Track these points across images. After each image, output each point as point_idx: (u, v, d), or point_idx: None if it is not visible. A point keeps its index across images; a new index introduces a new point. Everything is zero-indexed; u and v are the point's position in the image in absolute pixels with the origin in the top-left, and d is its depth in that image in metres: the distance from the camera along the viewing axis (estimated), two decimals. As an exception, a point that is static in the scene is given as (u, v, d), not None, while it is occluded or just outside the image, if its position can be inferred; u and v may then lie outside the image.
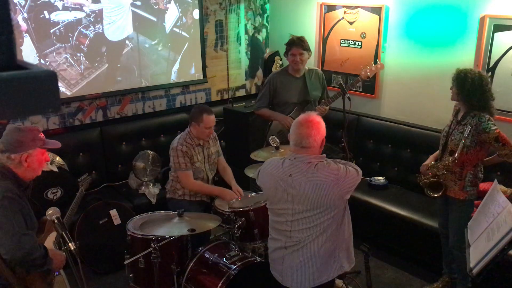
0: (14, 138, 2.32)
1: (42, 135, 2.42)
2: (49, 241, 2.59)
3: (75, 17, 4.10)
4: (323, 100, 4.02)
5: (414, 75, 4.31)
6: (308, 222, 2.41)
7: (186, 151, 3.55)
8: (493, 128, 3.00)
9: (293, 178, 2.38)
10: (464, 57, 3.94)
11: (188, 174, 3.57)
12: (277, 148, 3.74)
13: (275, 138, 4.01)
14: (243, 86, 5.58)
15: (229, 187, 3.74)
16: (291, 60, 3.92)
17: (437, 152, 3.37)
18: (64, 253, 2.46)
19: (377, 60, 4.31)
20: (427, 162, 3.37)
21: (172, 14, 4.71)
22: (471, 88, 3.02)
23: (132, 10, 4.44)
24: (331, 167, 2.38)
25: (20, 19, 3.82)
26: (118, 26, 4.36)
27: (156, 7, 4.58)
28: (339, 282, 3.35)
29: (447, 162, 3.13)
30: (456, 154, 3.06)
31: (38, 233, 2.51)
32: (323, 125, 2.42)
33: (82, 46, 4.19)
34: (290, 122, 3.91)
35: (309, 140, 2.36)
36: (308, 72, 4.05)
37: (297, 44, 3.87)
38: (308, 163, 2.37)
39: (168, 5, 4.66)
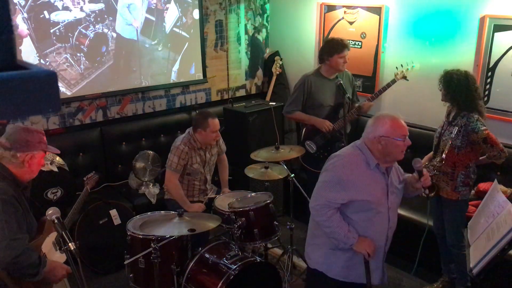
0: (23, 138, 2.33)
1: (45, 139, 2.45)
2: (49, 242, 2.59)
3: (75, 17, 4.10)
4: (370, 96, 3.94)
5: (414, 75, 4.30)
6: None
7: (188, 152, 3.60)
8: (482, 128, 3.01)
9: None
10: (464, 57, 3.94)
11: (175, 175, 3.62)
12: (277, 148, 3.75)
13: (311, 143, 3.96)
14: (243, 86, 5.58)
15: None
16: (341, 62, 3.82)
17: (431, 152, 3.39)
18: (67, 267, 2.42)
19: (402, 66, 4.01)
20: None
21: (172, 14, 4.71)
22: (457, 88, 3.06)
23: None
24: (339, 155, 2.46)
25: (20, 19, 3.82)
26: (121, 25, 4.36)
27: (156, 7, 4.58)
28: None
29: (435, 163, 3.16)
30: (443, 155, 3.08)
31: (37, 233, 2.51)
32: (382, 124, 2.38)
33: (82, 46, 4.19)
34: (329, 125, 3.84)
35: (366, 131, 2.45)
36: (338, 74, 3.96)
37: (348, 46, 3.83)
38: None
39: (168, 5, 4.66)
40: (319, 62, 4.01)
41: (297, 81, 4.04)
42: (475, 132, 3.02)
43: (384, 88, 3.87)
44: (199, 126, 3.59)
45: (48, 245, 2.56)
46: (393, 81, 3.83)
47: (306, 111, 3.96)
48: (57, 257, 2.62)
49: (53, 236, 2.61)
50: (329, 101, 3.93)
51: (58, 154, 3.92)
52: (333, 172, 2.40)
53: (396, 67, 3.85)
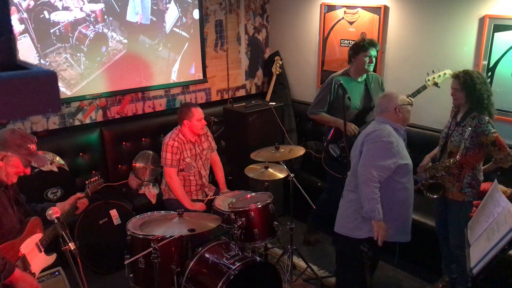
0: (2, 135, 2.36)
1: (32, 147, 2.40)
2: (31, 243, 2.54)
3: (75, 17, 4.09)
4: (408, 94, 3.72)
5: (414, 75, 4.31)
6: (353, 171, 2.91)
7: (178, 146, 3.66)
8: (492, 131, 3.01)
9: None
10: (464, 57, 3.93)
11: (173, 170, 3.69)
12: (277, 148, 3.75)
13: (335, 147, 3.88)
14: (243, 86, 5.58)
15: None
16: (366, 61, 3.71)
17: (433, 152, 3.37)
18: (36, 280, 2.39)
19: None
20: (423, 163, 3.36)
21: (172, 14, 4.71)
22: (477, 89, 3.02)
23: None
24: (376, 129, 2.81)
25: (19, 19, 3.82)
26: (121, 25, 4.36)
27: (156, 7, 4.58)
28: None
29: (447, 164, 3.11)
30: (458, 156, 3.04)
31: (18, 233, 2.48)
32: (394, 98, 2.91)
33: (82, 46, 4.19)
34: (354, 129, 3.71)
35: (381, 108, 2.93)
36: (368, 76, 3.86)
37: (375, 46, 3.73)
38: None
39: (168, 5, 4.66)
40: (348, 63, 3.89)
41: (324, 82, 3.92)
42: (485, 134, 3.01)
43: (414, 94, 3.65)
44: (184, 117, 3.68)
45: (29, 246, 2.52)
46: (424, 87, 3.66)
47: (332, 113, 3.82)
48: (40, 258, 2.60)
49: (36, 237, 2.57)
50: (356, 104, 3.81)
51: (58, 154, 3.93)
52: (381, 142, 2.75)
53: (428, 73, 3.69)
